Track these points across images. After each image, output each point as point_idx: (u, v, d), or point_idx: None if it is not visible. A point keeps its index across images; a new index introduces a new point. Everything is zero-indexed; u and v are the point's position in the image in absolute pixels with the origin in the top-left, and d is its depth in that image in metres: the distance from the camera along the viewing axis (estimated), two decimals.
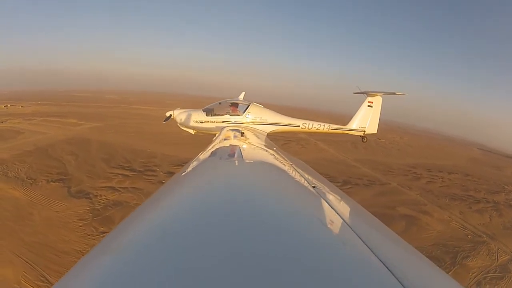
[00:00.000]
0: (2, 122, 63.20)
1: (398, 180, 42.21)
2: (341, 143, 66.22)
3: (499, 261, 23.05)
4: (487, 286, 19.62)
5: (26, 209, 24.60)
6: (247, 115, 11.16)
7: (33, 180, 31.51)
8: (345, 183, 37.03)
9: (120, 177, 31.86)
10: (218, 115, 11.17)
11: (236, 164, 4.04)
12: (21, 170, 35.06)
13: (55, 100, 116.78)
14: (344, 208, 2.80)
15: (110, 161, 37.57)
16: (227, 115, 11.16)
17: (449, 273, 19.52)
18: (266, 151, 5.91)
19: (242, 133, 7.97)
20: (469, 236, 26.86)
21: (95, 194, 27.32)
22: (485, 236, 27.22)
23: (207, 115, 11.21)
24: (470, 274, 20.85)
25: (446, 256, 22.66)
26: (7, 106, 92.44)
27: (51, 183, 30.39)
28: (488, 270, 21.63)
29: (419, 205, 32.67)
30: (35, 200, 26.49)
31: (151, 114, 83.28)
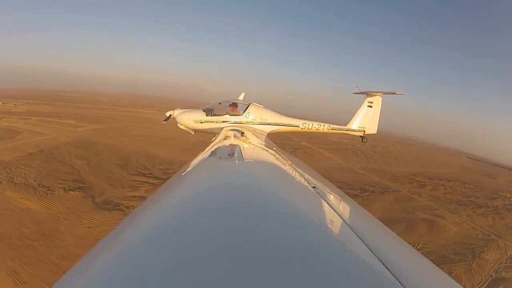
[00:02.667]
0: None
1: (406, 187, 43.96)
2: (342, 151, 67.14)
3: (508, 254, 26.43)
4: (503, 273, 22.99)
5: (50, 224, 21.32)
6: (247, 115, 10.91)
7: (47, 188, 27.75)
8: (363, 191, 38.02)
9: (146, 185, 29.30)
10: (218, 115, 10.87)
11: (236, 164, 3.80)
12: (29, 176, 31.16)
13: (47, 100, 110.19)
14: (344, 208, 2.71)
15: (127, 167, 34.69)
16: (227, 115, 10.86)
17: (473, 265, 23.47)
18: (266, 151, 5.73)
19: (242, 133, 7.81)
20: (479, 235, 29.62)
21: (126, 205, 24.31)
22: (492, 235, 30.09)
23: (207, 115, 10.88)
24: (488, 265, 23.88)
25: (466, 251, 25.48)
26: None
27: (70, 192, 26.90)
28: (501, 262, 24.84)
29: (432, 210, 34.88)
30: (57, 213, 23.19)
31: (149, 117, 79.64)
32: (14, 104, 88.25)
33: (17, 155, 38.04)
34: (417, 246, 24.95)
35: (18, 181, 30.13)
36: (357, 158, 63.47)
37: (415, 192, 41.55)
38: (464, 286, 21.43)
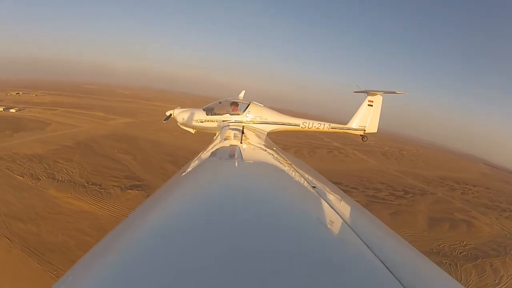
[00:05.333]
0: (20, 110, 52.82)
1: (440, 190, 44.63)
2: (373, 153, 66.38)
3: None
4: None
5: None
6: (247, 114, 10.15)
7: (99, 186, 22.74)
8: (405, 193, 38.38)
9: None
10: (218, 114, 10.14)
11: (236, 164, 3.62)
12: (72, 172, 25.95)
13: (68, 91, 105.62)
14: (344, 208, 2.60)
15: (178, 163, 33.74)
16: (227, 114, 10.12)
17: (506, 259, 25.89)
18: (266, 151, 5.48)
19: (243, 133, 7.43)
20: (507, 235, 31.89)
21: None
22: None
23: (207, 114, 10.20)
24: None
25: (500, 248, 28.12)
26: (19, 93, 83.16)
27: (128, 191, 22.21)
28: None
29: (467, 212, 36.62)
30: (121, 216, 19.51)
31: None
32: (35, 95, 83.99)
33: (52, 147, 33.30)
34: (462, 243, 27.33)
35: (60, 178, 25.31)
36: (389, 160, 63.65)
37: (448, 195, 42.83)
38: (502, 276, 23.07)
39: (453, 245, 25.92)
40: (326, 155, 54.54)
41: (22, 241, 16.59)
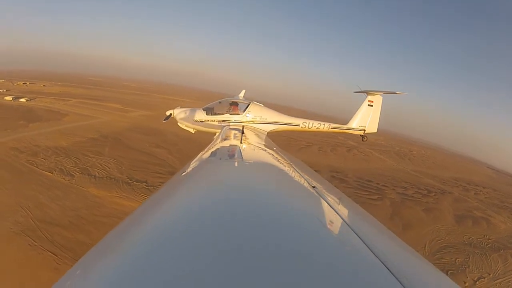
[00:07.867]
0: (30, 99, 49.21)
1: (456, 190, 46.87)
2: (388, 153, 67.63)
3: None
4: None
5: None
6: (247, 114, 10.01)
7: (145, 184, 20.60)
8: (429, 192, 40.62)
9: None
10: (218, 114, 10.05)
11: (236, 164, 3.54)
12: (109, 167, 23.28)
13: (75, 82, 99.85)
14: (344, 208, 2.52)
15: None
16: (227, 114, 9.99)
17: None
18: (266, 151, 5.34)
19: (242, 133, 7.32)
20: None
21: None
22: None
23: (207, 114, 10.09)
24: None
25: None
26: (26, 83, 79.51)
27: None
28: None
29: (483, 210, 39.07)
30: None
31: (191, 106, 72.73)
32: (43, 85, 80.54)
33: (76, 139, 30.79)
34: (486, 236, 30.05)
35: (97, 174, 22.93)
36: (403, 160, 64.53)
37: (464, 195, 45.20)
38: None
39: (479, 238, 29.24)
40: (347, 154, 55.61)
41: (72, 255, 13.91)
